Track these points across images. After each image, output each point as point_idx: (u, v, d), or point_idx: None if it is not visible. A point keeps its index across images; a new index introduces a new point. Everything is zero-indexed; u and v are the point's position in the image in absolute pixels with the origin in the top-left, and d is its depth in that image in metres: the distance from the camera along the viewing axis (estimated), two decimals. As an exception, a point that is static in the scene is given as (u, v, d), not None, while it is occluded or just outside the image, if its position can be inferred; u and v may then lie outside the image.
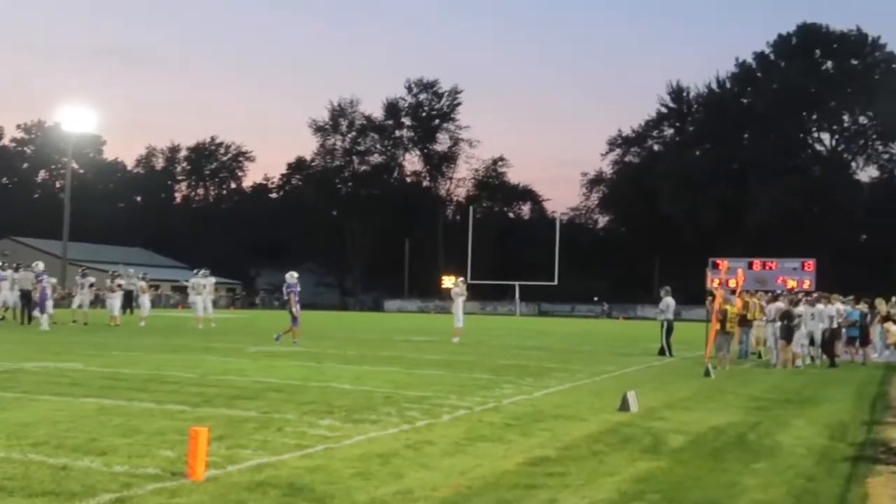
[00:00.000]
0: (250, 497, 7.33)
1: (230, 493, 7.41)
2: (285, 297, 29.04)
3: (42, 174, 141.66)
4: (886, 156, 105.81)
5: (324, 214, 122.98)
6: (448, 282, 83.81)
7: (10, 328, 33.24)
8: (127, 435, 9.99)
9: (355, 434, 10.60)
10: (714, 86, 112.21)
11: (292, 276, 29.24)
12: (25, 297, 35.30)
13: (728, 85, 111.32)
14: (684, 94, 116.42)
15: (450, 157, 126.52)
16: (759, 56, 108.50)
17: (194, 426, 8.27)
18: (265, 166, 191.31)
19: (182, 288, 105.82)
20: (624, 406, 13.61)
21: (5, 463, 8.28)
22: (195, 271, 41.48)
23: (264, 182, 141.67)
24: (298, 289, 29.39)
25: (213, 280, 39.56)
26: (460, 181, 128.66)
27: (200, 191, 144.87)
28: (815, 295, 27.51)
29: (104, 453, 8.87)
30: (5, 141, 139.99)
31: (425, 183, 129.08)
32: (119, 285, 38.97)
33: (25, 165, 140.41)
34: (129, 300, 46.17)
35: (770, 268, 62.36)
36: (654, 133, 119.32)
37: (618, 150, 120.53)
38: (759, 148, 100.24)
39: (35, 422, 10.77)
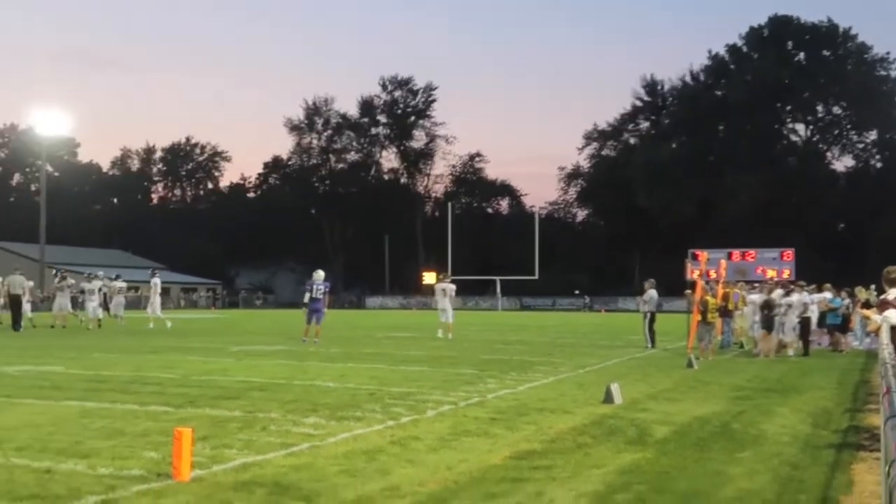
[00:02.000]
0: (236, 497, 7.30)
1: (216, 493, 7.39)
2: (317, 296, 28.60)
3: (17, 177, 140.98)
4: (861, 145, 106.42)
5: (302, 213, 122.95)
6: (430, 278, 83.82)
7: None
8: (111, 437, 9.94)
9: (340, 431, 10.58)
10: (688, 79, 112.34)
11: (320, 275, 29.03)
12: (14, 302, 34.96)
13: (702, 77, 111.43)
14: (658, 87, 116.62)
15: (427, 154, 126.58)
16: (732, 48, 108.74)
17: (178, 427, 8.23)
18: (242, 166, 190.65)
19: (165, 290, 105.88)
20: (608, 398, 13.63)
21: (-12, 468, 8.23)
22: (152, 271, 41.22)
23: (241, 182, 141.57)
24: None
25: (158, 281, 39.25)
26: (438, 177, 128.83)
27: (177, 191, 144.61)
28: (792, 286, 27.59)
29: (88, 456, 8.83)
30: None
31: (403, 180, 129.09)
32: (99, 288, 38.71)
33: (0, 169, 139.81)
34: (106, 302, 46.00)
35: (749, 258, 62.41)
36: (630, 126, 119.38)
37: (594, 144, 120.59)
38: (734, 140, 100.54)
39: (18, 426, 10.71)
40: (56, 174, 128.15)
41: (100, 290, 39.02)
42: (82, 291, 39.37)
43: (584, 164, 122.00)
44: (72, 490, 7.41)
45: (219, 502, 7.10)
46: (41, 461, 8.54)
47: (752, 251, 61.22)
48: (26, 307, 37.57)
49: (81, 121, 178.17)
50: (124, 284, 39.83)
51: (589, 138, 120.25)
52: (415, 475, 8.26)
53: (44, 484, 7.62)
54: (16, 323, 34.17)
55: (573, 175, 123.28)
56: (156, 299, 39.09)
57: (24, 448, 9.23)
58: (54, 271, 42.51)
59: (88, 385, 15.19)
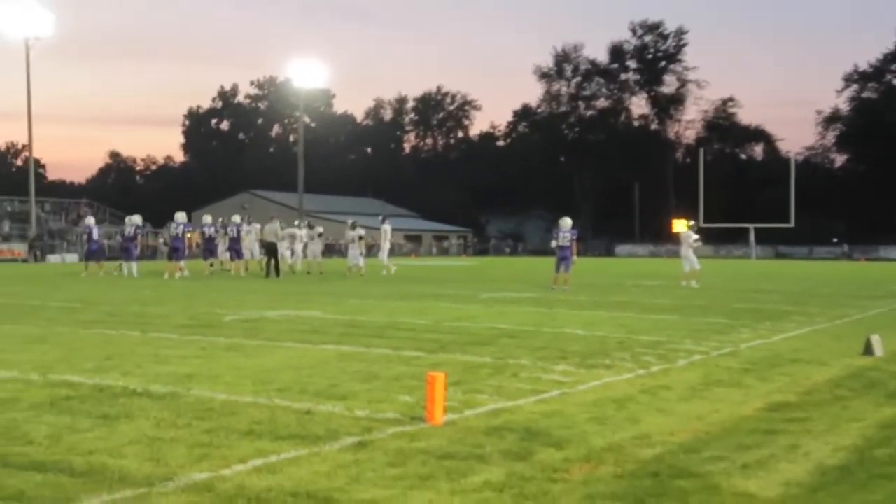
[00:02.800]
0: (488, 441, 7.37)
1: (468, 437, 7.48)
2: (563, 244, 28.63)
3: (276, 129, 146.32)
4: None
5: (551, 161, 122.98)
6: (679, 226, 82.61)
7: (251, 279, 34.49)
8: (366, 380, 10.21)
9: (590, 379, 10.55)
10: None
11: (567, 222, 29.09)
12: (269, 248, 36.27)
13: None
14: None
15: (677, 100, 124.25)
16: None
17: (431, 372, 8.36)
18: (492, 115, 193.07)
19: (417, 237, 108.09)
20: (868, 350, 13.10)
21: (253, 408, 8.58)
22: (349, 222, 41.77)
23: (491, 130, 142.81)
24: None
25: (388, 227, 39.92)
26: (689, 123, 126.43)
27: (429, 140, 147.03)
28: None
29: (345, 398, 9.08)
30: (240, 97, 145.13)
31: (653, 126, 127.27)
32: (360, 236, 39.34)
33: (260, 121, 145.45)
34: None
35: None
36: (894, 67, 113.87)
37: (854, 87, 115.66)
38: None
39: (279, 368, 11.13)
40: (313, 125, 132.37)
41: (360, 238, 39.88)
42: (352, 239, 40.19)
43: (844, 107, 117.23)
44: (330, 431, 7.64)
45: (471, 446, 7.19)
46: (301, 402, 8.84)
47: None
48: (286, 254, 39.15)
49: (336, 72, 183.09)
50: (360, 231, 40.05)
51: (848, 80, 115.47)
52: (665, 424, 8.15)
53: (304, 424, 7.89)
54: (274, 269, 35.47)
55: (831, 119, 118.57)
56: (385, 245, 39.88)
57: (285, 389, 9.58)
58: (302, 221, 43.98)
59: (344, 330, 15.65)
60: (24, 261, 63.95)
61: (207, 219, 39.98)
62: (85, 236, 40.92)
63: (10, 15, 66.63)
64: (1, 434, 7.39)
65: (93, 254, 39.72)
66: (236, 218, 39.14)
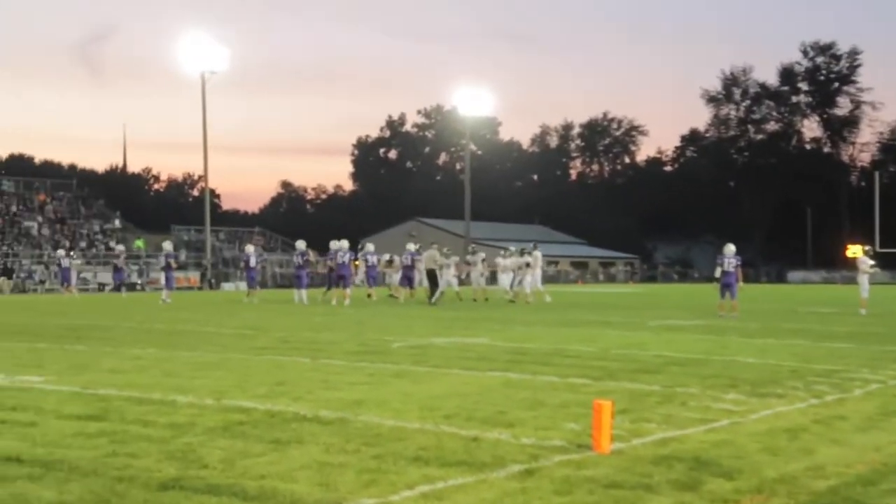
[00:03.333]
0: (656, 470, 7.27)
1: (635, 466, 7.40)
2: (728, 269, 28.35)
3: (443, 157, 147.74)
4: None
5: (720, 186, 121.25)
6: (854, 251, 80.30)
7: (418, 306, 34.81)
8: (532, 408, 10.18)
9: (761, 408, 10.31)
10: None
11: (731, 248, 28.81)
12: (430, 275, 36.66)
13: None
14: None
15: (851, 122, 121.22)
16: None
17: (598, 399, 8.30)
18: (658, 140, 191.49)
19: (583, 263, 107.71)
20: None
21: (420, 434, 8.63)
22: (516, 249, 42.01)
23: (658, 155, 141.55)
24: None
25: (539, 254, 39.73)
26: (864, 146, 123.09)
27: (595, 167, 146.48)
28: None
29: (512, 425, 9.07)
30: (408, 126, 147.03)
31: (826, 149, 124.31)
32: (526, 263, 39.33)
33: (427, 149, 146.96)
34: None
35: None
36: None
37: None
38: None
39: (446, 395, 11.18)
40: (479, 152, 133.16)
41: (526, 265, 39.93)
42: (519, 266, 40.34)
43: None
44: (496, 458, 7.64)
45: (638, 475, 7.10)
46: (468, 429, 8.86)
47: None
48: (452, 280, 39.49)
49: (502, 99, 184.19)
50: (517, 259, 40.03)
51: None
52: (840, 456, 7.91)
53: (470, 451, 7.91)
54: (431, 295, 35.66)
55: None
56: (537, 272, 39.71)
57: (452, 416, 9.61)
58: (470, 247, 44.36)
59: (511, 357, 15.64)
60: (199, 288, 65.99)
61: (370, 247, 40.79)
62: (242, 263, 42.35)
63: (188, 50, 69.17)
64: (178, 458, 7.61)
65: (251, 280, 41.42)
66: (410, 246, 39.55)
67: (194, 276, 70.17)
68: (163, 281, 38.76)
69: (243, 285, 48.68)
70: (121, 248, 58.61)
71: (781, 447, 8.23)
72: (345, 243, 36.92)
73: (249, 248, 43.52)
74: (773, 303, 38.87)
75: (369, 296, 39.00)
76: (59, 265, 52.36)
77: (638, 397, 11.01)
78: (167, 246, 42.88)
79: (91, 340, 19.24)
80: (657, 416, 9.66)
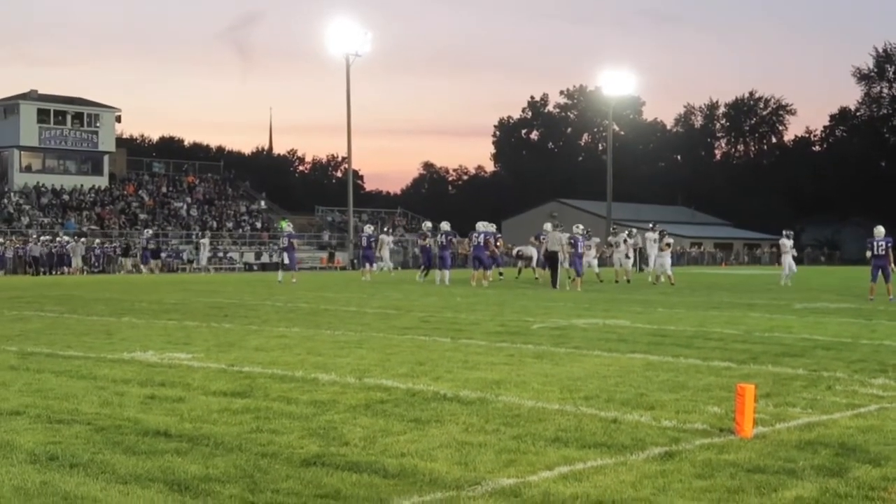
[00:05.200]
0: (800, 455, 7.14)
1: (779, 451, 7.27)
2: (879, 252, 27.66)
3: (585, 137, 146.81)
4: None
5: (871, 165, 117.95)
6: None
7: (541, 287, 34.67)
8: (673, 390, 10.09)
9: (911, 394, 10.05)
10: None
11: (880, 231, 28.13)
12: (551, 258, 35.44)
13: None
14: None
15: None
16: None
17: (741, 383, 8.18)
18: (807, 119, 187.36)
19: (725, 245, 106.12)
20: None
21: (559, 415, 8.63)
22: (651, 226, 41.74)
23: (806, 135, 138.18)
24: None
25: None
26: None
27: (740, 147, 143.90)
28: None
29: (652, 408, 9.01)
30: (550, 107, 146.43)
31: None
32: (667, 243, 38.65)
33: (569, 130, 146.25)
34: (640, 257, 46.81)
35: None
36: None
37: None
38: None
39: (586, 376, 11.15)
40: (622, 133, 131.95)
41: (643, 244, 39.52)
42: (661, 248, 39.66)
43: None
44: (636, 440, 7.59)
45: (782, 460, 6.98)
46: (608, 411, 8.83)
47: None
48: (594, 262, 39.21)
49: (646, 79, 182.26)
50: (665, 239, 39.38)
51: None
52: None
53: (610, 433, 7.87)
54: (553, 280, 34.21)
55: None
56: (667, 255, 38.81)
57: (591, 398, 9.59)
58: (612, 228, 43.82)
59: (652, 339, 15.51)
60: (343, 268, 66.93)
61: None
62: (365, 241, 43.29)
63: (332, 34, 70.06)
64: (321, 435, 7.74)
65: (367, 259, 43.06)
66: (444, 225, 38.64)
67: (341, 256, 71.16)
68: (286, 261, 39.32)
69: (386, 266, 49.42)
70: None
71: (932, 434, 8.00)
72: (483, 224, 37.04)
73: (368, 229, 45.65)
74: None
75: (501, 274, 39.92)
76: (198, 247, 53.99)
77: (782, 381, 10.82)
78: (287, 227, 43.73)
79: (238, 319, 19.69)
80: (802, 401, 9.48)
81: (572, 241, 33.69)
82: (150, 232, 58.64)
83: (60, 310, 22.44)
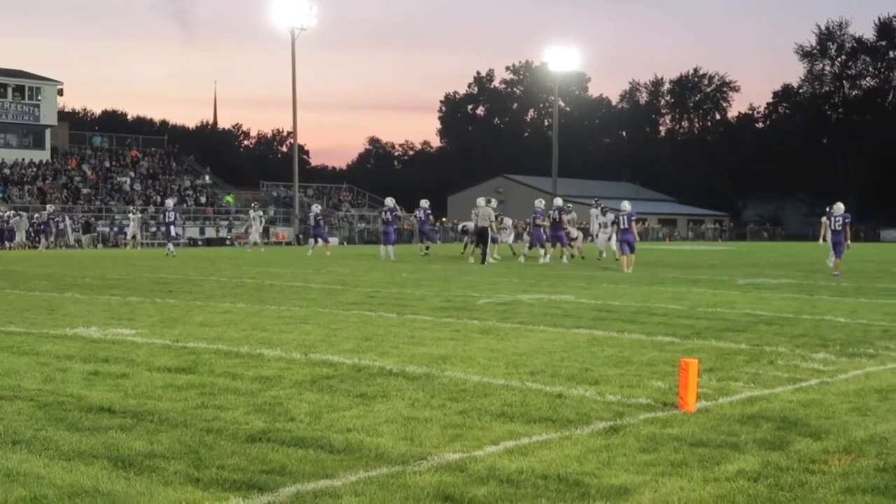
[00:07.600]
0: (742, 429, 7.23)
1: (721, 425, 7.35)
2: (836, 228, 27.81)
3: (531, 113, 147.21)
4: None
5: (813, 143, 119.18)
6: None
7: (505, 263, 34.73)
8: (618, 365, 10.16)
9: (851, 368, 10.18)
10: None
11: (840, 207, 28.30)
12: (480, 233, 34.87)
13: None
14: None
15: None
16: None
17: (684, 358, 8.26)
18: (750, 96, 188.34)
19: (669, 221, 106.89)
20: None
21: (505, 390, 8.67)
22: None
23: (749, 112, 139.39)
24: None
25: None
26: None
27: (685, 123, 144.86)
28: None
29: (596, 383, 9.07)
30: (496, 83, 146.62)
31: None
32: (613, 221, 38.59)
33: (515, 105, 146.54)
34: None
35: None
36: None
37: None
38: None
39: (531, 351, 11.20)
40: (568, 109, 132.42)
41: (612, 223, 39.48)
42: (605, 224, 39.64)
43: None
44: (581, 415, 7.65)
45: (725, 434, 7.06)
46: (553, 386, 8.88)
47: None
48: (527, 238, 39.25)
49: (591, 55, 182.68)
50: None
51: None
52: (933, 418, 7.79)
53: (555, 408, 7.92)
54: (483, 257, 33.81)
55: None
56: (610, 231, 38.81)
57: (536, 373, 9.63)
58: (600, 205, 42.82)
59: (597, 314, 15.59)
60: (289, 244, 66.72)
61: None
62: (312, 219, 44.08)
63: (278, 7, 69.50)
64: (266, 410, 7.73)
65: (317, 235, 43.82)
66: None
67: (284, 231, 71.00)
68: (320, 241, 42.89)
69: (332, 241, 50.07)
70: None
71: (871, 407, 8.13)
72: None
73: (315, 208, 45.86)
74: (865, 262, 38.16)
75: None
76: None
77: (725, 356, 10.93)
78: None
79: (182, 294, 19.56)
80: (744, 375, 9.59)
81: (500, 217, 33.80)
82: (52, 208, 57.69)
83: (1, 285, 22.17)
